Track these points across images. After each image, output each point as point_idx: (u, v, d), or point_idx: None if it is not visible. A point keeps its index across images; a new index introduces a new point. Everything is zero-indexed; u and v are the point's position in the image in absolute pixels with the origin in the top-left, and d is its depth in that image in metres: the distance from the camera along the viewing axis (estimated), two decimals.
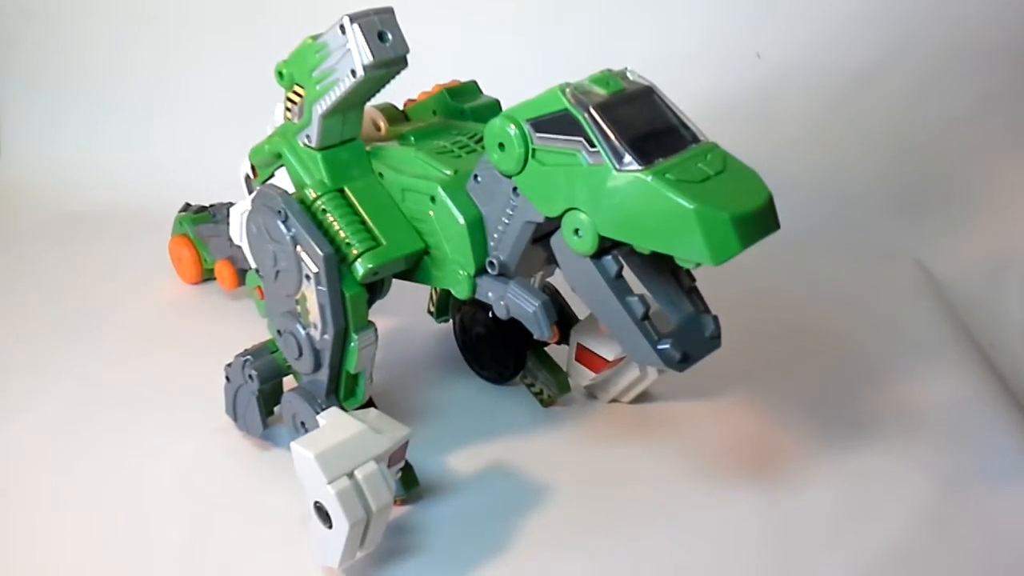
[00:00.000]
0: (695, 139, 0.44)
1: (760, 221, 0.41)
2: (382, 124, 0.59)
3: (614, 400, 0.66)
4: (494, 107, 0.61)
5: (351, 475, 0.48)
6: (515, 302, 0.49)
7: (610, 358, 0.61)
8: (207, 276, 0.84)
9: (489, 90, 0.63)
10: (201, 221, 0.82)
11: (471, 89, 0.62)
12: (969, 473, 0.59)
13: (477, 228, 0.50)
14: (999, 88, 0.93)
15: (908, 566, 0.53)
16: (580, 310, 0.63)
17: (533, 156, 0.45)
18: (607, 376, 0.64)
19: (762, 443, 0.62)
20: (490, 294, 0.51)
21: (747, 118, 0.94)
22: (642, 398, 0.66)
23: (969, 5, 0.93)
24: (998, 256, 0.87)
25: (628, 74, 0.46)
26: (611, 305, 0.46)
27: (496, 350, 0.68)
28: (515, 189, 0.47)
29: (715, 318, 0.48)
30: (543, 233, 0.49)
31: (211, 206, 0.84)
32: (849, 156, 0.96)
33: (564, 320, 0.65)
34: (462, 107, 0.60)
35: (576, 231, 0.45)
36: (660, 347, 0.45)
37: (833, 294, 0.82)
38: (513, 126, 0.45)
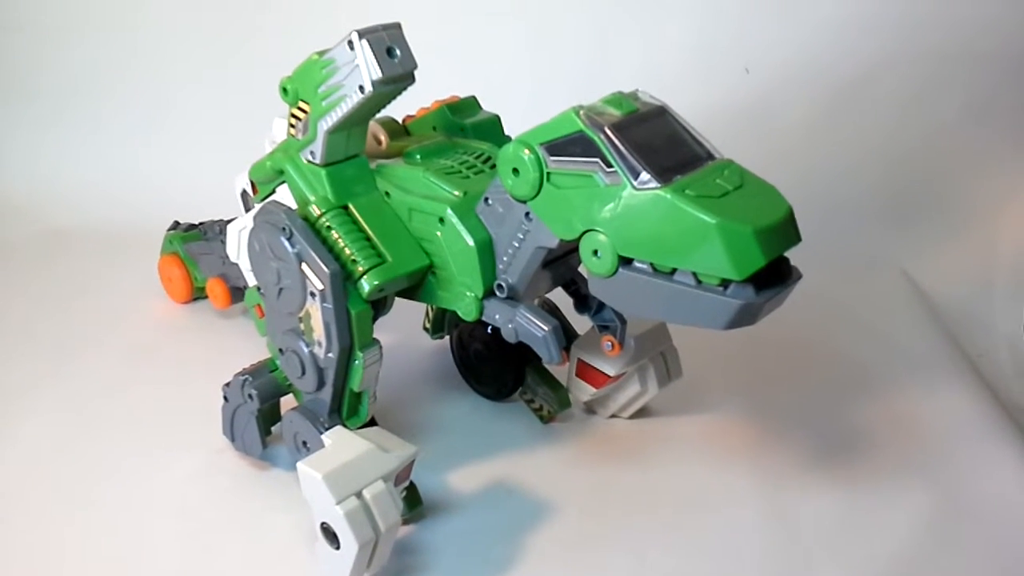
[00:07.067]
0: (711, 156, 0.45)
1: (782, 233, 0.42)
2: (383, 138, 0.59)
3: (614, 416, 0.66)
4: (494, 122, 0.61)
5: (359, 495, 0.47)
6: (524, 326, 0.50)
7: (612, 373, 0.61)
8: (197, 295, 0.83)
9: (484, 106, 0.63)
10: (191, 239, 0.81)
11: (471, 104, 0.62)
12: (962, 483, 0.60)
13: (486, 251, 0.50)
14: (987, 98, 0.95)
15: None
16: (580, 326, 0.63)
17: (548, 180, 0.45)
18: (607, 392, 0.64)
19: (760, 456, 0.63)
20: (498, 316, 0.51)
21: (734, 130, 0.94)
22: (641, 413, 0.66)
23: (956, 14, 0.94)
24: (985, 266, 0.88)
25: (640, 94, 0.46)
26: (662, 293, 0.43)
27: (495, 366, 0.67)
28: (527, 214, 0.47)
29: None
30: (553, 257, 0.49)
31: (201, 224, 0.83)
32: (835, 167, 0.97)
33: (565, 336, 0.65)
34: (462, 123, 0.60)
35: (595, 252, 0.44)
36: (728, 293, 0.41)
37: (821, 305, 0.82)
38: (527, 151, 0.45)
